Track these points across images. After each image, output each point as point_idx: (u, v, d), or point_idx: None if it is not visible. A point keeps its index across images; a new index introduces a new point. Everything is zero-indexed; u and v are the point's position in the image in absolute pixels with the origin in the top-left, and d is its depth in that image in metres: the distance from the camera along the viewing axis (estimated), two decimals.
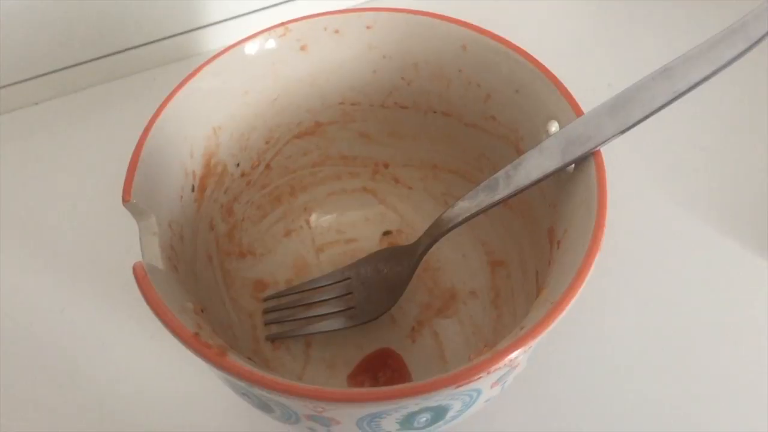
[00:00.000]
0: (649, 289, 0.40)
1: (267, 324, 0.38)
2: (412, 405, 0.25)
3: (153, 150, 0.30)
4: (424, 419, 0.27)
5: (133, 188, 0.28)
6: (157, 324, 0.25)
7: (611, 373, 0.37)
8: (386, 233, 0.41)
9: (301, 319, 0.37)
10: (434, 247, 0.35)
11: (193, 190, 0.34)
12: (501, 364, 0.23)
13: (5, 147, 0.49)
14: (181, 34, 0.52)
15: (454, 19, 0.34)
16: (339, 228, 0.42)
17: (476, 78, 0.35)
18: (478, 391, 0.26)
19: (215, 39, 0.53)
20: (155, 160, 0.30)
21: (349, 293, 0.37)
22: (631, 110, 0.28)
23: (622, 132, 0.28)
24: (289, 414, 0.27)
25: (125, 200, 0.28)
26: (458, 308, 0.38)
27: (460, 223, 0.32)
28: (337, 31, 0.36)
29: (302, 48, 0.36)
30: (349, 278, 0.37)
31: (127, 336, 0.39)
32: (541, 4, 0.56)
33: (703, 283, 0.40)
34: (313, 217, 0.42)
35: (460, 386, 0.23)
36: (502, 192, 0.31)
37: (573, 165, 0.29)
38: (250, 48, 0.35)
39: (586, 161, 0.29)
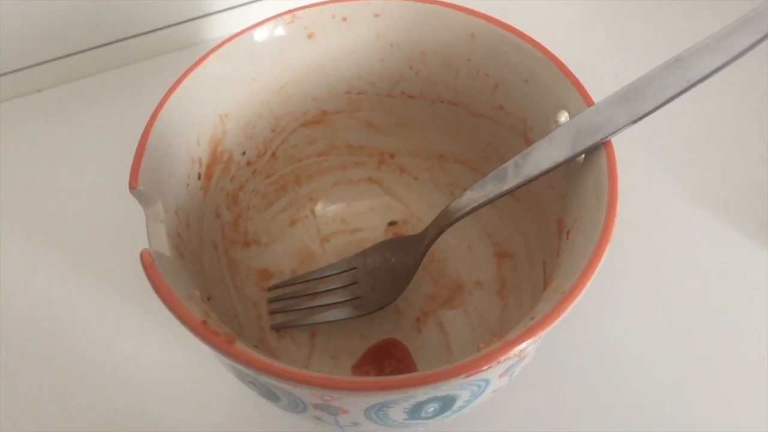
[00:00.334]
0: (657, 281, 0.40)
1: (272, 313, 0.38)
2: (420, 394, 0.25)
3: (160, 136, 0.30)
4: (432, 409, 0.26)
5: (140, 175, 0.28)
6: (164, 312, 0.25)
7: (618, 365, 0.37)
8: (391, 223, 0.41)
9: (306, 308, 0.37)
10: (440, 238, 0.35)
11: (199, 177, 0.33)
12: (511, 354, 0.23)
13: (9, 134, 0.49)
14: (187, 21, 0.52)
15: (463, 7, 0.34)
16: (344, 218, 0.42)
17: (485, 67, 0.35)
18: (487, 381, 0.26)
19: (220, 27, 0.53)
20: (162, 146, 0.30)
21: (355, 283, 0.37)
22: (642, 100, 0.28)
23: (634, 122, 0.28)
24: (296, 403, 0.27)
25: (132, 187, 0.28)
26: (464, 299, 0.38)
27: (468, 214, 0.32)
28: (345, 19, 0.35)
29: (310, 36, 0.36)
30: (354, 268, 0.37)
31: (132, 324, 0.39)
32: None
33: (711, 275, 0.40)
34: (319, 207, 0.42)
35: (469, 376, 0.23)
36: (511, 182, 0.30)
37: (583, 155, 0.29)
38: (258, 35, 0.34)
39: (597, 151, 0.28)
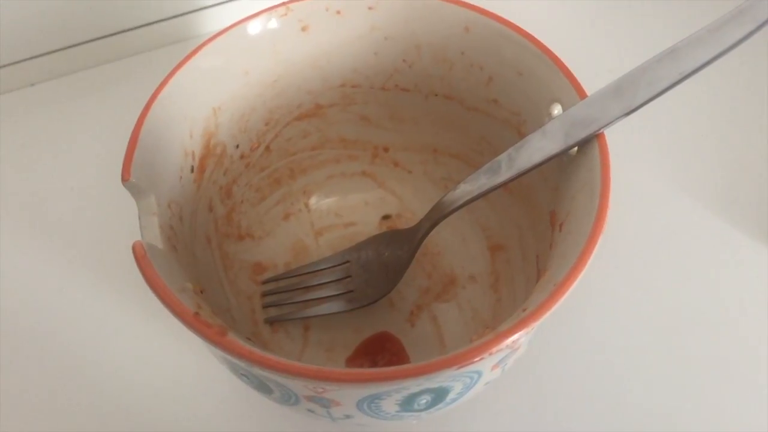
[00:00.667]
0: (650, 273, 0.40)
1: (266, 307, 0.38)
2: (413, 386, 0.25)
3: (153, 129, 0.30)
4: (425, 401, 0.26)
5: (132, 167, 0.28)
6: (156, 304, 0.25)
7: (611, 358, 0.37)
8: (385, 217, 0.41)
9: (299, 302, 0.37)
10: (434, 232, 0.35)
11: (192, 170, 0.33)
12: (503, 345, 0.23)
13: (2, 128, 0.49)
14: (181, 15, 0.52)
15: (457, 0, 0.34)
16: (338, 211, 0.42)
17: (479, 60, 0.35)
18: (479, 373, 0.26)
19: (214, 21, 0.53)
20: (155, 139, 0.30)
21: (348, 277, 0.37)
22: (636, 92, 0.28)
23: (627, 114, 0.28)
24: (288, 395, 0.27)
25: (124, 179, 0.28)
26: (457, 292, 0.38)
27: (461, 206, 0.32)
28: (338, 12, 0.35)
29: (303, 29, 0.35)
30: (348, 262, 0.37)
31: (125, 317, 0.39)
32: None
33: (705, 267, 0.40)
34: (313, 201, 0.42)
35: (461, 367, 0.23)
36: (504, 175, 0.31)
37: (576, 148, 0.29)
38: (252, 28, 0.34)
39: (590, 144, 0.28)
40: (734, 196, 0.42)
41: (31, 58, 0.50)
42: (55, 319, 0.39)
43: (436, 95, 0.38)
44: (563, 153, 0.29)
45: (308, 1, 0.35)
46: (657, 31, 0.51)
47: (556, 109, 0.31)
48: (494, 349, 0.23)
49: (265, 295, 0.38)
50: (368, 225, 0.41)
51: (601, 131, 0.28)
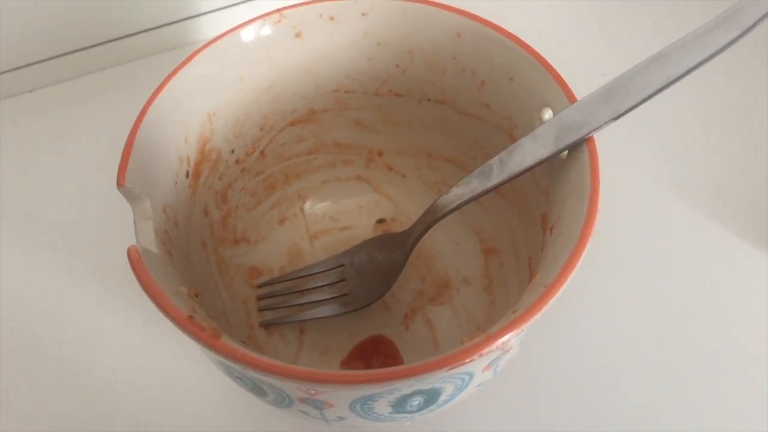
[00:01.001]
0: (642, 275, 0.40)
1: (261, 310, 0.38)
2: (405, 387, 0.25)
3: (148, 134, 0.30)
4: (417, 402, 0.27)
5: (127, 172, 0.28)
6: (152, 309, 0.25)
7: (603, 360, 0.37)
8: (380, 221, 0.41)
9: (294, 305, 0.37)
10: (428, 235, 0.35)
11: (187, 176, 0.34)
12: (493, 347, 0.23)
13: (1, 134, 0.49)
14: (176, 22, 0.52)
15: (449, 6, 0.35)
16: (333, 216, 0.42)
17: (471, 65, 0.35)
18: (471, 375, 0.26)
19: (210, 28, 0.53)
20: (150, 144, 0.30)
21: (343, 280, 0.37)
22: (624, 96, 0.28)
23: (616, 118, 0.28)
24: (282, 397, 0.27)
25: (120, 184, 0.28)
26: (451, 295, 0.38)
27: (454, 210, 0.33)
28: (332, 18, 0.36)
29: (297, 35, 0.36)
30: (342, 265, 0.38)
31: (121, 320, 0.39)
32: None
33: (695, 270, 0.40)
34: (308, 205, 0.42)
35: (452, 368, 0.23)
36: (496, 178, 0.31)
37: (566, 152, 0.30)
38: (246, 34, 0.35)
39: (579, 147, 0.29)
40: (724, 198, 0.43)
41: (29, 65, 0.51)
42: (51, 322, 0.39)
43: (429, 100, 0.38)
44: (554, 157, 0.30)
45: (302, 7, 0.35)
46: (647, 36, 0.51)
47: (547, 114, 0.31)
48: (485, 351, 0.23)
49: (260, 298, 0.38)
50: (363, 229, 0.41)
51: (590, 135, 0.29)
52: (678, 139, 0.46)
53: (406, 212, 0.41)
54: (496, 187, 0.31)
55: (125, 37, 0.52)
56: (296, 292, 0.38)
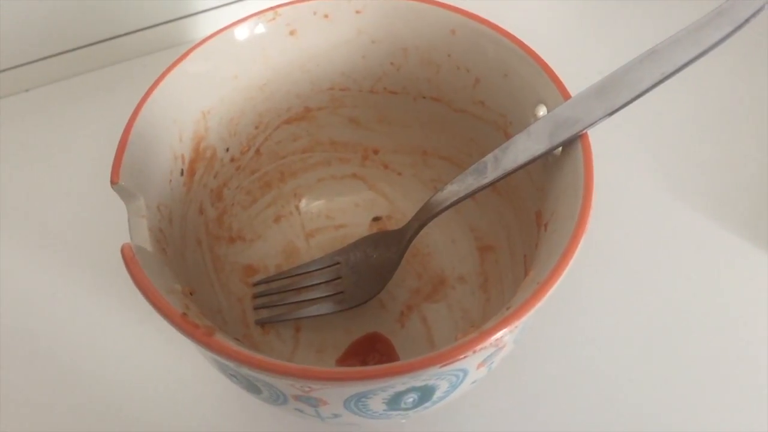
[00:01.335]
0: (637, 273, 0.40)
1: (257, 309, 0.38)
2: (399, 384, 0.25)
3: (142, 132, 0.30)
4: (411, 399, 0.27)
5: (121, 170, 0.28)
6: (147, 307, 0.25)
7: (598, 358, 0.37)
8: (376, 219, 0.41)
9: (290, 303, 0.37)
10: (423, 233, 0.35)
11: (182, 174, 0.34)
12: (487, 343, 0.23)
13: None
14: (172, 21, 0.52)
15: (443, 3, 0.35)
16: (329, 214, 0.42)
17: (465, 63, 0.35)
18: (465, 371, 0.26)
19: (205, 27, 0.53)
20: (144, 142, 0.30)
21: (339, 278, 0.37)
22: (618, 92, 0.28)
23: (610, 114, 0.28)
24: (277, 395, 0.27)
25: (113, 182, 0.28)
26: (447, 293, 0.38)
27: (449, 207, 0.33)
28: (326, 16, 0.36)
29: (291, 33, 0.36)
30: (338, 263, 0.38)
31: (117, 318, 0.39)
32: None
33: (690, 268, 0.40)
34: (303, 203, 0.42)
35: (445, 365, 0.23)
36: (491, 175, 0.31)
37: (560, 148, 0.30)
38: (240, 32, 0.35)
39: (573, 144, 0.29)
40: (720, 195, 0.43)
41: (26, 64, 0.51)
42: (46, 321, 0.39)
43: (424, 97, 0.38)
44: (548, 153, 0.30)
45: (296, 5, 0.35)
46: (642, 33, 0.51)
47: (542, 111, 0.31)
48: (478, 347, 0.23)
49: (256, 296, 0.38)
50: (359, 227, 0.41)
51: (584, 132, 0.29)
52: (673, 135, 0.46)
53: (402, 210, 0.41)
54: (491, 184, 0.31)
55: (121, 36, 0.52)
56: (292, 290, 0.38)
